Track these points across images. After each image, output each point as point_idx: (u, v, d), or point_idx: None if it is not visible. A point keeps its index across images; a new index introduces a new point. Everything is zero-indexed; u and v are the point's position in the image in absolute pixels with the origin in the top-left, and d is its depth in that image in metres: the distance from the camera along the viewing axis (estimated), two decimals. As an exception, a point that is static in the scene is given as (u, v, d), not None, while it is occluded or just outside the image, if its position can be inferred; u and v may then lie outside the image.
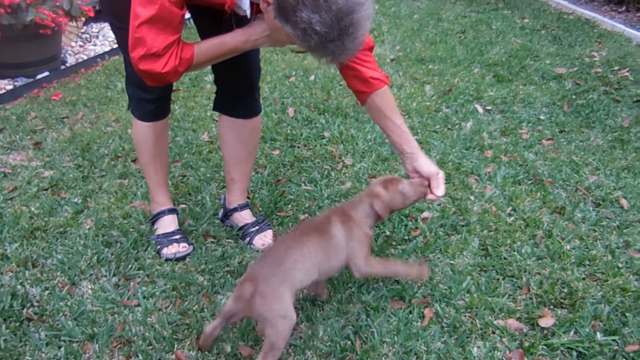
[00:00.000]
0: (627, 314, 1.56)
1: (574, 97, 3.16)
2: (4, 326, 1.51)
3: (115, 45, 3.88)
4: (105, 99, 3.12)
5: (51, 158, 2.45)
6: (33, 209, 2.06)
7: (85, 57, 3.77)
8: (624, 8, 5.30)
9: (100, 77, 3.44)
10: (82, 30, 4.21)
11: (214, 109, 1.89)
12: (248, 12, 1.40)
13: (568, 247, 1.85)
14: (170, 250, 1.83)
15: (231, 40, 1.44)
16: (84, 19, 3.73)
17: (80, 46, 4.02)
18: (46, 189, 2.20)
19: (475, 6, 5.61)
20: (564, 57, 3.90)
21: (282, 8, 1.18)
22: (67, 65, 3.65)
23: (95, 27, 4.38)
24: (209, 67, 1.78)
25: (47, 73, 3.41)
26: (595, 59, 3.83)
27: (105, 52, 3.84)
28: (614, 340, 1.47)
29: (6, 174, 2.32)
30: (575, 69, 3.63)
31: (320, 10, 1.13)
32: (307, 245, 1.38)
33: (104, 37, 4.21)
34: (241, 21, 1.45)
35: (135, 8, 1.33)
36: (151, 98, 1.73)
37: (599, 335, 1.48)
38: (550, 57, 3.90)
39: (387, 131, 1.58)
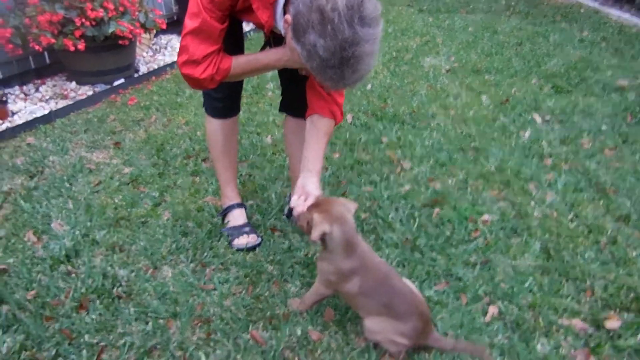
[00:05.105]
0: (698, 321, 1.54)
1: (637, 109, 3.10)
2: (98, 302, 1.68)
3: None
4: (176, 104, 3.34)
5: (130, 156, 2.66)
6: (117, 200, 2.26)
7: (156, 67, 4.04)
8: (690, 20, 5.12)
9: (170, 85, 3.68)
10: (153, 42, 4.51)
11: (280, 110, 2.02)
12: (283, 32, 1.49)
13: (634, 254, 1.84)
14: (241, 241, 1.95)
15: (264, 59, 1.57)
16: (155, 30, 4.01)
17: (151, 56, 4.31)
18: (127, 184, 2.40)
19: (531, 19, 5.57)
20: (626, 69, 3.82)
21: (296, 28, 1.27)
22: (140, 73, 3.93)
23: (164, 39, 4.68)
24: (276, 71, 1.91)
25: (122, 80, 3.69)
26: (660, 71, 3.73)
27: (174, 62, 4.09)
28: (684, 345, 1.46)
29: (91, 169, 2.54)
30: (639, 81, 3.55)
31: (326, 36, 1.21)
32: None
33: (172, 48, 4.49)
34: (280, 41, 1.55)
35: (185, 19, 1.51)
36: (218, 96, 1.88)
37: (667, 340, 1.47)
38: (611, 69, 3.83)
39: (308, 145, 1.65)
